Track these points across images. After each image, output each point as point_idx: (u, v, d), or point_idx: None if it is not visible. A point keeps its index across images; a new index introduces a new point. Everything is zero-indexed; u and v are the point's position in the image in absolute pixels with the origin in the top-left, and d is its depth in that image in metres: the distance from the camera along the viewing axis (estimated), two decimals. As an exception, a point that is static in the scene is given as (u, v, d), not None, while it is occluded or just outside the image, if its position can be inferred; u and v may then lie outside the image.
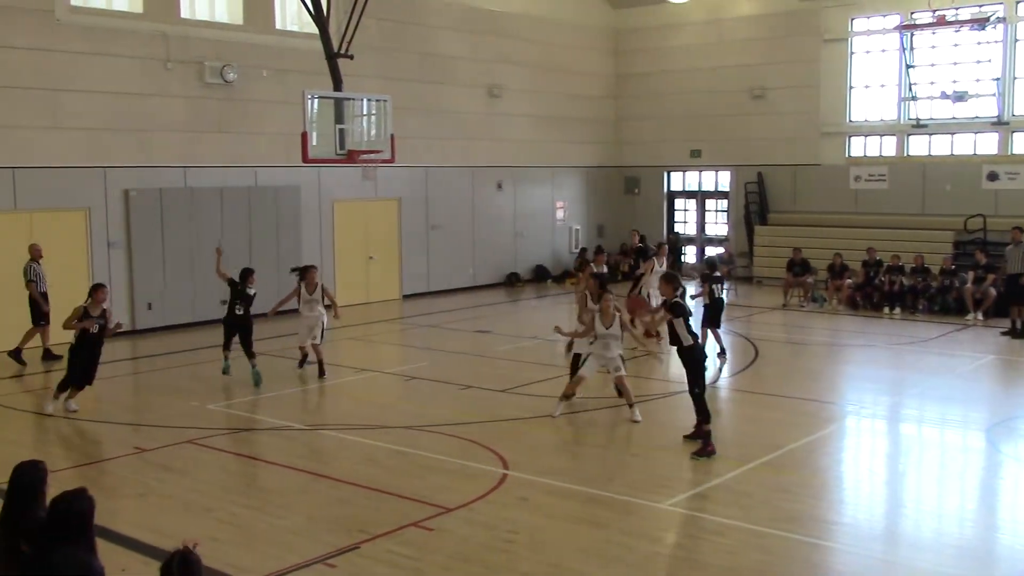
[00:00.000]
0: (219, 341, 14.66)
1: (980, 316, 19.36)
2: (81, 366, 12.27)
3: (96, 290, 12.44)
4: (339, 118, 16.90)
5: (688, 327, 10.78)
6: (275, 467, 10.14)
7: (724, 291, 16.90)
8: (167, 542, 7.62)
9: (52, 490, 5.38)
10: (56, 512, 4.99)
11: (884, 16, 24.76)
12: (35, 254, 15.92)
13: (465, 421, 12.15)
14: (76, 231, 17.66)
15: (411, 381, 14.37)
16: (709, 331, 15.62)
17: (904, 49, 24.23)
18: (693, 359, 10.81)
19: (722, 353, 15.63)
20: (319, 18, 17.95)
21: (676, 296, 10.88)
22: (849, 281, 21.39)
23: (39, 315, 15.84)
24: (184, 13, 19.19)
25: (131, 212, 18.30)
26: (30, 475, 5.48)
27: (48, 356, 15.90)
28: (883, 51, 25.01)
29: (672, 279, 11.16)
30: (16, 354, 15.67)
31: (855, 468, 10.77)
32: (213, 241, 19.40)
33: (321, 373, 14.59)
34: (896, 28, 24.20)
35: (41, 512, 5.27)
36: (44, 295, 15.95)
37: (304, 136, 16.35)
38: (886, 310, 20.72)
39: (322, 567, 7.50)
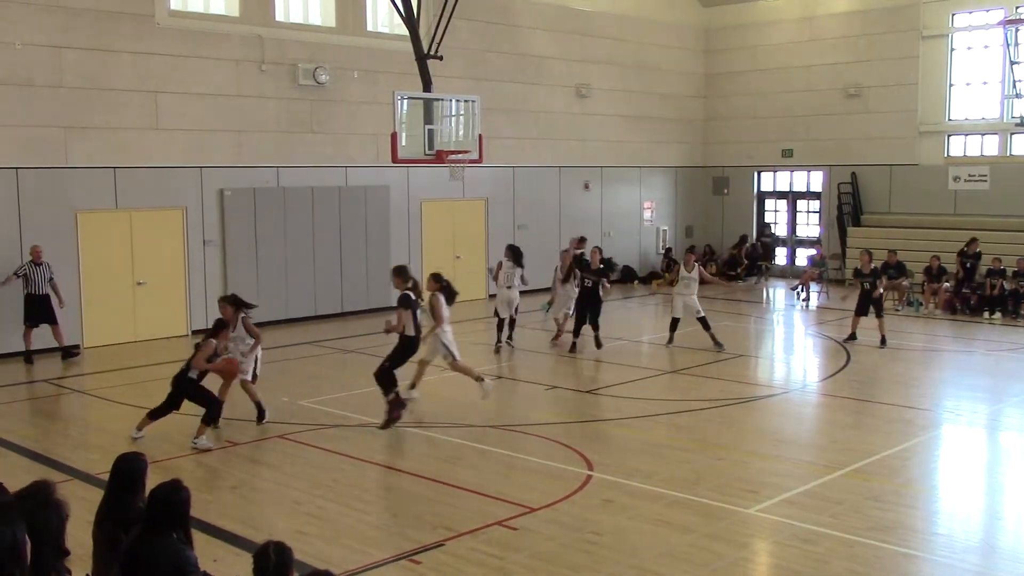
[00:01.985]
0: (309, 338, 14.90)
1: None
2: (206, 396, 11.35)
3: (223, 328, 11.48)
4: (428, 118, 17.06)
5: (415, 319, 11.64)
6: (362, 463, 10.28)
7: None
8: (257, 534, 7.81)
9: (150, 481, 5.54)
10: (155, 502, 5.13)
11: (987, 11, 23.96)
12: (35, 256, 15.88)
13: (550, 421, 12.15)
14: (173, 229, 18.19)
15: (496, 380, 14.40)
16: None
17: (1008, 45, 23.41)
18: (406, 348, 11.77)
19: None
20: (409, 20, 18.17)
21: (407, 288, 11.71)
22: (947, 284, 20.77)
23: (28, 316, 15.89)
24: (279, 16, 19.60)
25: (225, 211, 18.77)
26: (131, 465, 5.66)
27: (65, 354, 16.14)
28: (985, 47, 24.21)
29: (401, 271, 11.96)
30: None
31: (951, 477, 10.43)
32: (305, 239, 19.81)
33: (260, 417, 11.93)
34: (1000, 23, 23.40)
35: (140, 502, 5.43)
36: (44, 297, 15.83)
37: (394, 136, 16.55)
38: (985, 315, 20.06)
39: (407, 563, 7.57)
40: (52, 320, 15.97)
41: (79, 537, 5.73)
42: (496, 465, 10.26)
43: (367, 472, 10.01)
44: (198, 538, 5.68)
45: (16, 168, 16.23)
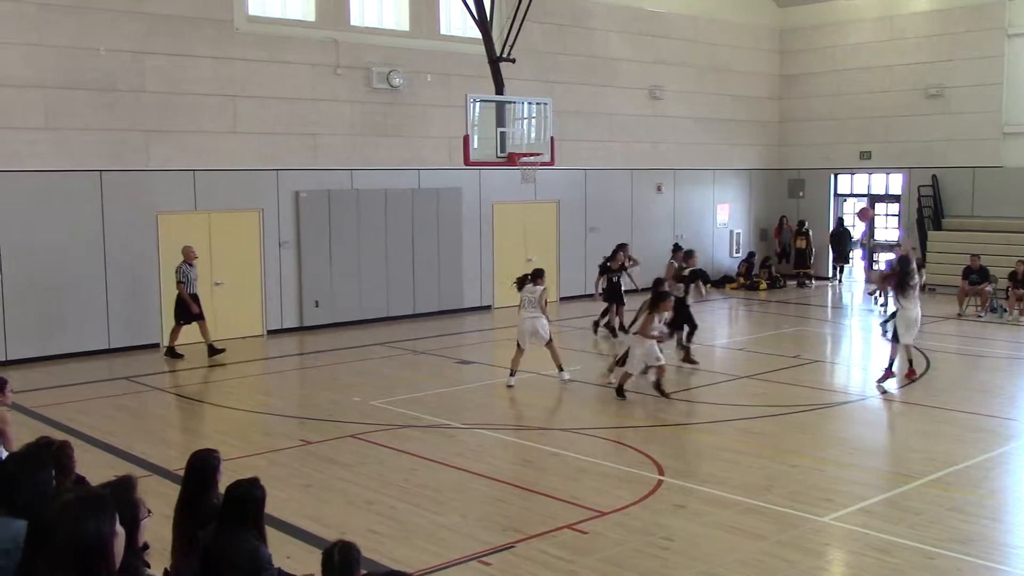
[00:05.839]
0: (382, 339, 15.05)
1: None
2: None
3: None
4: (500, 121, 17.11)
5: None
6: (433, 463, 10.34)
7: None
8: (329, 532, 7.90)
9: (225, 478, 5.64)
10: (230, 499, 5.22)
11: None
12: (188, 256, 16.42)
13: (621, 425, 12.08)
14: (250, 231, 18.52)
15: (568, 383, 14.38)
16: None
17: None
18: None
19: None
20: (482, 23, 18.24)
21: None
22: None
23: (182, 314, 16.31)
24: (354, 21, 19.85)
25: (301, 213, 19.06)
26: (206, 462, 5.76)
27: (212, 351, 16.33)
28: (1074, 45, 23.46)
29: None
30: (171, 351, 16.39)
31: (1036, 489, 10.12)
32: (378, 241, 20.03)
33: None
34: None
35: (215, 499, 5.53)
36: (194, 296, 16.32)
37: (466, 139, 16.64)
38: (1073, 322, 19.44)
39: (477, 564, 7.59)
40: (201, 317, 16.39)
41: (159, 532, 5.86)
42: (567, 468, 10.23)
43: (438, 473, 10.07)
44: (272, 535, 5.76)
45: (100, 171, 16.69)
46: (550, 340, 14.25)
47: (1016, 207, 23.78)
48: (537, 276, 14.33)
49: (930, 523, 8.44)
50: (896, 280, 14.01)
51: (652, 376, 13.38)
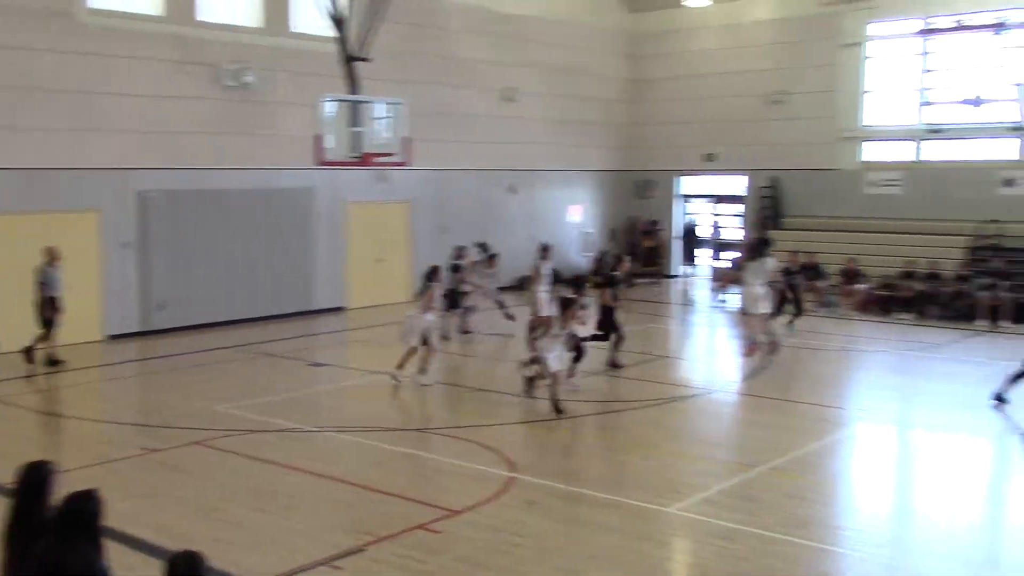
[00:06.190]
0: (231, 342, 14.71)
1: (1008, 323, 19.32)
2: None
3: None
4: (354, 121, 16.96)
5: None
6: (282, 468, 10.16)
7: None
8: (174, 542, 7.65)
9: (61, 490, 5.40)
10: (65, 512, 5.01)
11: (902, 21, 24.62)
12: (52, 257, 15.59)
13: (474, 424, 12.15)
14: (89, 232, 17.70)
15: (425, 387, 14.35)
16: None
17: (923, 54, 24.12)
18: None
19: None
20: (336, 21, 18.04)
21: None
22: (862, 286, 21.32)
23: (44, 319, 15.49)
24: (202, 16, 19.25)
25: (146, 213, 18.36)
26: (38, 474, 5.50)
27: (51, 362, 15.49)
28: (900, 55, 24.89)
29: None
30: (48, 359, 15.51)
31: (864, 474, 10.73)
32: (228, 242, 19.52)
33: None
34: (916, 33, 24.08)
35: (49, 511, 5.30)
36: (52, 300, 15.46)
37: (319, 139, 16.42)
38: (898, 315, 20.66)
39: (327, 569, 7.50)
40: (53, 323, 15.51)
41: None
42: (419, 469, 10.24)
43: (288, 478, 9.89)
44: (112, 548, 5.55)
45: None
46: (426, 341, 14.12)
47: (848, 207, 25.06)
48: (429, 274, 14.51)
49: (769, 509, 8.83)
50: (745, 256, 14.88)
51: (528, 372, 13.23)
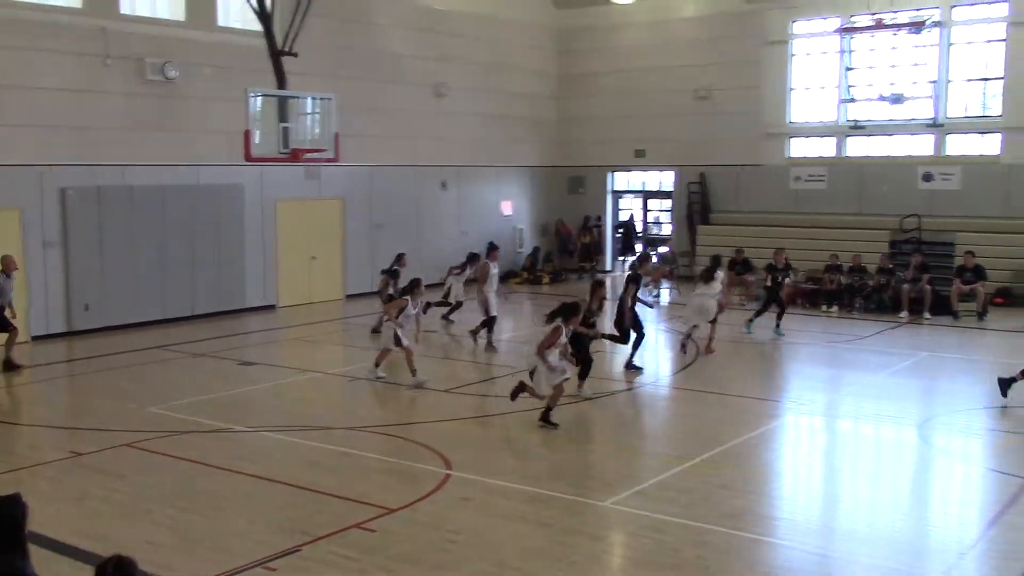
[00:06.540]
0: (159, 342, 14.46)
1: (926, 315, 19.86)
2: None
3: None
4: (283, 116, 16.81)
5: None
6: (215, 470, 10.02)
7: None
8: (104, 547, 7.51)
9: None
10: (-12, 519, 4.89)
11: (824, 19, 25.15)
12: (7, 266, 15.01)
13: (409, 422, 12.13)
14: (9, 231, 17.19)
15: (354, 382, 14.29)
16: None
17: (843, 52, 24.67)
18: None
19: None
20: (263, 15, 17.82)
21: None
22: (788, 280, 21.69)
23: (3, 324, 14.99)
24: (124, 9, 18.84)
25: (68, 211, 17.92)
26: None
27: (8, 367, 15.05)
28: (823, 53, 25.41)
29: None
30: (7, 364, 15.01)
31: (793, 464, 10.98)
32: (155, 240, 19.15)
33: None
34: (836, 31, 24.61)
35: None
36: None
37: (247, 134, 16.24)
38: (824, 308, 21.13)
39: (262, 570, 7.42)
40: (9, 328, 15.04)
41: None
42: (354, 468, 10.18)
43: (220, 479, 9.76)
44: (39, 554, 5.43)
45: None
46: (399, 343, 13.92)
47: (773, 202, 25.54)
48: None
49: (700, 501, 8.97)
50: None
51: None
